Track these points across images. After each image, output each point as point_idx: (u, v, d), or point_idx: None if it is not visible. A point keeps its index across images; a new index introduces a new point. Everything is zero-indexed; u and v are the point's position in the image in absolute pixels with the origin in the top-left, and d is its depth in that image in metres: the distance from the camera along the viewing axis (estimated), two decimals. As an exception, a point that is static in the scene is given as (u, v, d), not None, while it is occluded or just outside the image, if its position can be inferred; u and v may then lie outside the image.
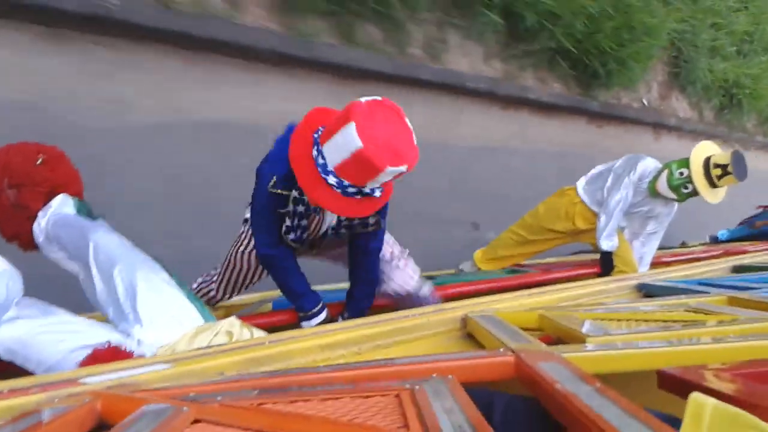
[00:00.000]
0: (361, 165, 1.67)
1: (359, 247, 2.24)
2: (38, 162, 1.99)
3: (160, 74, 3.50)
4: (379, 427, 0.73)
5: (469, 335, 1.55)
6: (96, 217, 2.01)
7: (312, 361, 1.27)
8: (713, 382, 0.91)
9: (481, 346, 1.41)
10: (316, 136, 1.80)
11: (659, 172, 3.41)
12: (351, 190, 1.76)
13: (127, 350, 1.55)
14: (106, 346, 1.54)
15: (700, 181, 3.30)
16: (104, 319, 1.84)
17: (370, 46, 4.34)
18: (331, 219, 2.15)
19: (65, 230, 1.93)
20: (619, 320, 1.46)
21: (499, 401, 0.91)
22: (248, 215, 2.32)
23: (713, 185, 3.33)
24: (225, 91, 3.72)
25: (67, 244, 1.92)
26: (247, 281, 2.51)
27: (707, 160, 3.33)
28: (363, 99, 1.69)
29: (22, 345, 1.59)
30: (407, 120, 1.74)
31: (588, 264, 3.80)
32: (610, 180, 3.52)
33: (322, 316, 2.22)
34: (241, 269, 2.43)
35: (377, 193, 1.83)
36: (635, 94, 6.77)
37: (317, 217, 2.13)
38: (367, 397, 0.86)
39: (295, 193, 1.96)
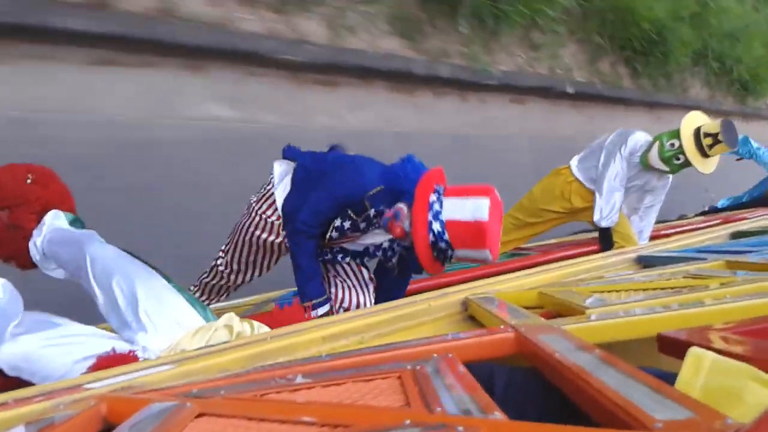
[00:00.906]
0: (474, 233, 1.90)
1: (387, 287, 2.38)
2: (28, 181, 1.99)
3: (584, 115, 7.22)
4: (381, 407, 0.74)
5: (471, 317, 1.56)
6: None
7: (316, 352, 1.27)
8: (714, 342, 0.92)
9: (482, 327, 1.42)
10: (437, 186, 2.01)
11: (650, 145, 3.41)
12: (441, 245, 1.94)
13: (132, 356, 1.55)
14: (110, 354, 1.54)
15: (691, 151, 3.30)
16: (111, 329, 1.85)
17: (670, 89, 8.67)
18: (360, 244, 2.24)
19: (61, 247, 1.93)
20: (618, 291, 1.47)
21: (499, 375, 0.91)
22: (276, 184, 2.32)
23: (705, 155, 3.33)
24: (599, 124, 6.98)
25: (65, 260, 1.93)
26: (257, 265, 2.52)
27: (697, 130, 3.33)
28: (496, 192, 1.97)
29: (26, 361, 1.59)
30: (502, 221, 2.06)
31: (588, 242, 3.81)
32: (602, 156, 3.52)
33: (326, 307, 2.23)
34: (250, 250, 2.43)
35: (445, 264, 2.05)
36: (763, 100, 11.29)
37: (355, 236, 2.21)
38: (369, 380, 0.86)
39: (372, 211, 2.08)
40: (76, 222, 2.03)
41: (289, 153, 2.37)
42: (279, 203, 2.26)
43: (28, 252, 1.97)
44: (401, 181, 2.04)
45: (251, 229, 2.36)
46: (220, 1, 4.16)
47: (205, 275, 2.64)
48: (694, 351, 0.79)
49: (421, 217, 1.93)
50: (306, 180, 2.22)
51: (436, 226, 1.92)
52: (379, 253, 2.24)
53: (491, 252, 1.93)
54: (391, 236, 2.14)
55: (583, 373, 0.77)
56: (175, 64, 3.90)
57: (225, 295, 2.71)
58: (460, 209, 1.91)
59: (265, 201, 2.31)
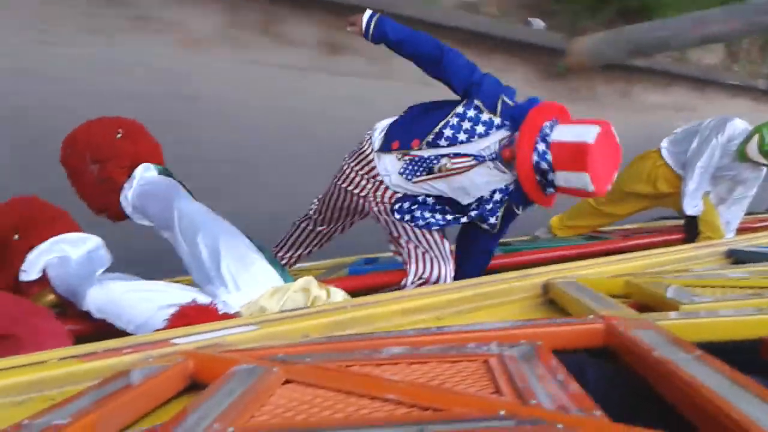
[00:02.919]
0: (574, 154, 1.91)
1: (470, 242, 2.33)
2: (118, 136, 2.04)
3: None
4: (473, 393, 0.72)
5: (551, 302, 1.52)
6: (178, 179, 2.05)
7: (395, 325, 1.26)
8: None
9: (564, 313, 1.38)
10: (555, 119, 2.05)
11: (750, 136, 3.23)
12: (543, 166, 1.98)
13: (213, 307, 1.59)
14: (192, 304, 1.58)
15: None
16: (191, 283, 1.90)
17: None
18: (468, 193, 2.19)
19: (150, 201, 1.98)
20: (712, 287, 1.40)
21: (591, 369, 0.88)
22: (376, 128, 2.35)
23: None
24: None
25: (153, 214, 1.98)
26: (341, 218, 2.58)
27: None
28: (613, 126, 1.98)
29: (112, 304, 1.65)
30: (617, 169, 2.04)
31: (671, 230, 3.67)
32: (695, 142, 3.36)
33: (367, 27, 2.21)
34: (338, 199, 2.49)
35: (547, 192, 2.08)
36: None
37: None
38: (455, 361, 0.85)
39: (499, 117, 2.10)
40: (166, 173, 2.07)
41: None
42: (383, 128, 2.30)
43: (119, 205, 2.03)
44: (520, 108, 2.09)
45: (341, 180, 2.41)
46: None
47: (299, 219, 2.73)
48: None
49: (529, 137, 1.99)
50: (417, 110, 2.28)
51: (541, 147, 1.97)
52: (487, 207, 2.18)
53: (592, 179, 1.91)
54: (501, 180, 2.13)
55: (686, 376, 0.73)
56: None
57: (311, 247, 2.75)
58: (568, 133, 1.96)
59: (358, 156, 2.34)
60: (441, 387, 0.74)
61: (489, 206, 2.16)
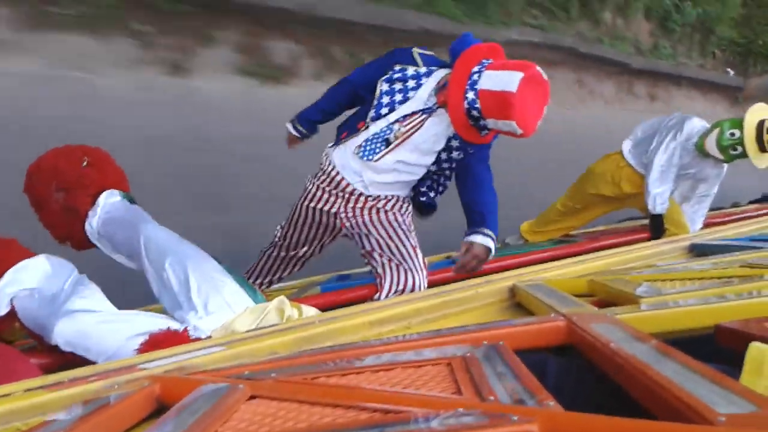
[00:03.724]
0: (500, 103, 1.97)
1: (463, 167, 2.35)
2: (84, 164, 2.02)
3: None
4: (432, 395, 0.73)
5: (518, 305, 1.54)
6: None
7: (362, 337, 1.27)
8: (774, 334, 0.89)
9: (531, 315, 1.40)
10: (485, 60, 2.08)
11: (710, 130, 3.30)
12: (474, 113, 2.04)
13: (184, 333, 1.57)
14: (163, 331, 1.57)
15: (751, 145, 3.18)
16: (159, 311, 1.88)
17: None
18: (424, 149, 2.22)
19: (116, 229, 1.97)
20: (672, 280, 1.43)
21: (551, 364, 0.89)
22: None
23: (763, 150, 3.21)
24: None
25: (119, 241, 1.96)
26: (309, 239, 2.54)
27: (761, 124, 3.20)
28: (540, 68, 2.01)
29: (81, 337, 1.63)
30: (547, 104, 2.06)
31: (638, 229, 3.72)
32: (655, 141, 3.42)
33: (297, 131, 2.43)
34: (305, 220, 2.48)
35: (483, 133, 2.14)
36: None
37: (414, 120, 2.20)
38: (419, 366, 0.86)
39: (424, 69, 2.19)
40: (129, 199, 2.06)
41: None
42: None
43: (84, 233, 2.02)
44: (452, 53, 2.13)
45: (307, 200, 2.40)
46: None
47: (265, 247, 2.70)
48: (755, 346, 0.77)
49: (458, 85, 2.05)
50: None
51: (470, 95, 2.02)
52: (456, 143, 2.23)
53: (519, 124, 1.97)
54: (448, 129, 2.17)
55: (641, 365, 0.75)
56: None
57: (279, 273, 2.72)
58: (493, 80, 2.00)
59: (321, 175, 2.36)
60: (402, 391, 0.75)
61: (458, 141, 2.21)
